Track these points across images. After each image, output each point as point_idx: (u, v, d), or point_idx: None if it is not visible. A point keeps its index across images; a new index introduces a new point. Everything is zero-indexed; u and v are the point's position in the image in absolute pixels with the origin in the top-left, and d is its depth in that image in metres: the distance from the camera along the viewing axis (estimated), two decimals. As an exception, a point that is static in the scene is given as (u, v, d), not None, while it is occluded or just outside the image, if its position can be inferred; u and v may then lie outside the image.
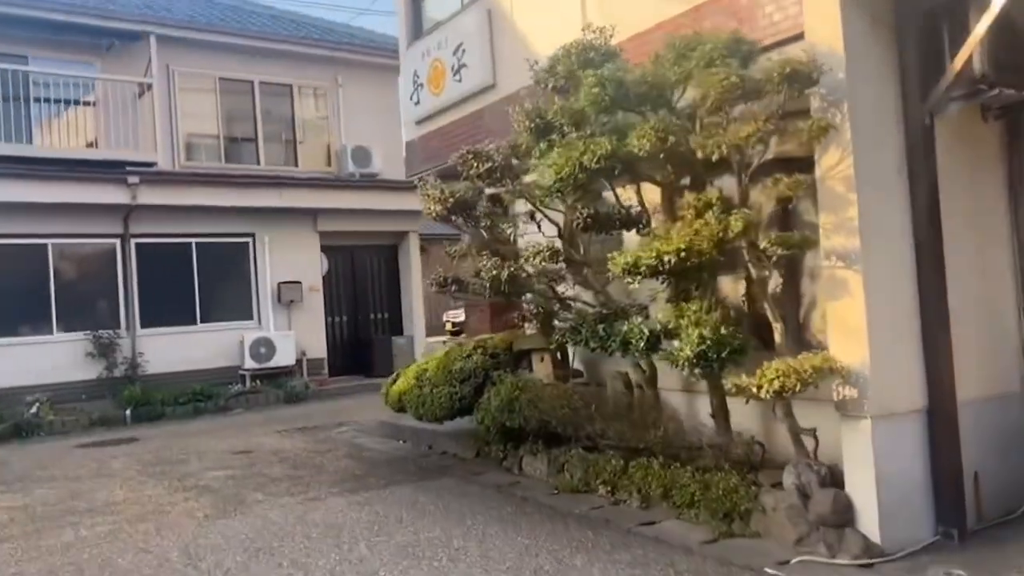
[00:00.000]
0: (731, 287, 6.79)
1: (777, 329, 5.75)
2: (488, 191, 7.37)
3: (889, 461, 5.18)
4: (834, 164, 5.25)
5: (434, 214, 7.07)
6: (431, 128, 10.58)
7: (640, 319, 5.78)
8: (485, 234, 7.20)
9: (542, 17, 8.65)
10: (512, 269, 6.53)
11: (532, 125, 6.26)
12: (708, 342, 5.34)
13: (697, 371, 5.38)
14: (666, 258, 5.22)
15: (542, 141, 6.20)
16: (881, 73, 5.36)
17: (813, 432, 5.52)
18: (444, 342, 20.13)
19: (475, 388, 8.01)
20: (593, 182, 5.73)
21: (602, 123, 5.92)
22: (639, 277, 5.68)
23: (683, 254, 5.18)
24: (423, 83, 10.49)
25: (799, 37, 5.48)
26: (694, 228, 4.96)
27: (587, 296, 7.44)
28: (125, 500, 7.67)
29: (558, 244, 6.56)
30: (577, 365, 8.26)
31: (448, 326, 28.74)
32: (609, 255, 5.93)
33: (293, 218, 15.96)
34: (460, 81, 9.82)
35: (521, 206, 7.76)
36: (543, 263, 6.54)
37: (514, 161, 6.76)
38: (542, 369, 7.97)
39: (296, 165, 16.99)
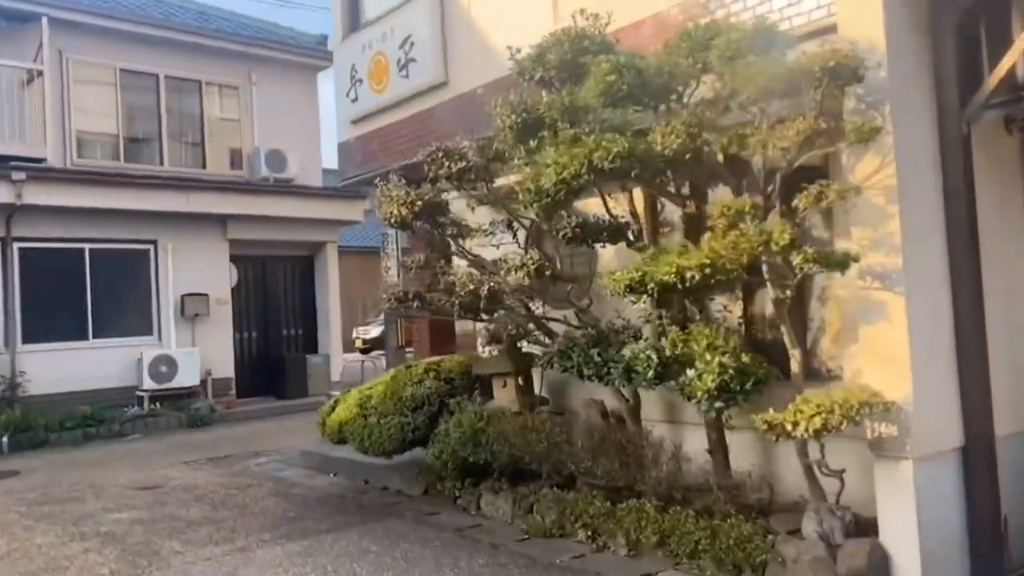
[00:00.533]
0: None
1: (794, 356, 5.13)
2: (451, 196, 6.54)
3: (930, 507, 4.61)
4: (871, 173, 4.67)
5: (394, 219, 6.18)
6: (370, 128, 9.66)
7: (645, 343, 5.04)
8: (452, 244, 6.36)
9: (506, 7, 7.91)
10: (492, 284, 5.72)
11: (518, 120, 5.48)
12: (730, 371, 4.66)
13: (718, 405, 4.68)
14: (688, 274, 4.51)
15: (530, 139, 5.43)
16: (918, 75, 4.84)
17: (840, 474, 4.90)
18: (362, 362, 19.07)
19: (430, 418, 7.12)
20: (599, 185, 4.99)
21: (601, 120, 5.20)
22: (645, 296, 4.96)
23: (708, 270, 4.49)
24: (362, 79, 9.57)
25: (828, 31, 4.91)
26: (730, 240, 4.28)
27: (556, 315, 6.71)
28: (8, 554, 6.40)
29: (536, 256, 5.77)
30: (540, 391, 7.48)
31: (358, 343, 27.51)
32: (609, 271, 5.19)
33: (200, 224, 14.62)
34: (407, 77, 8.96)
35: (481, 215, 6.96)
36: (527, 278, 5.74)
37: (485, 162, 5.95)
38: (505, 396, 7.15)
39: (204, 167, 15.65)
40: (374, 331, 28.38)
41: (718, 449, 5.74)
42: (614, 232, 5.87)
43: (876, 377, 4.68)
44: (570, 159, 4.73)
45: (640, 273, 4.91)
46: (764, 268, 4.96)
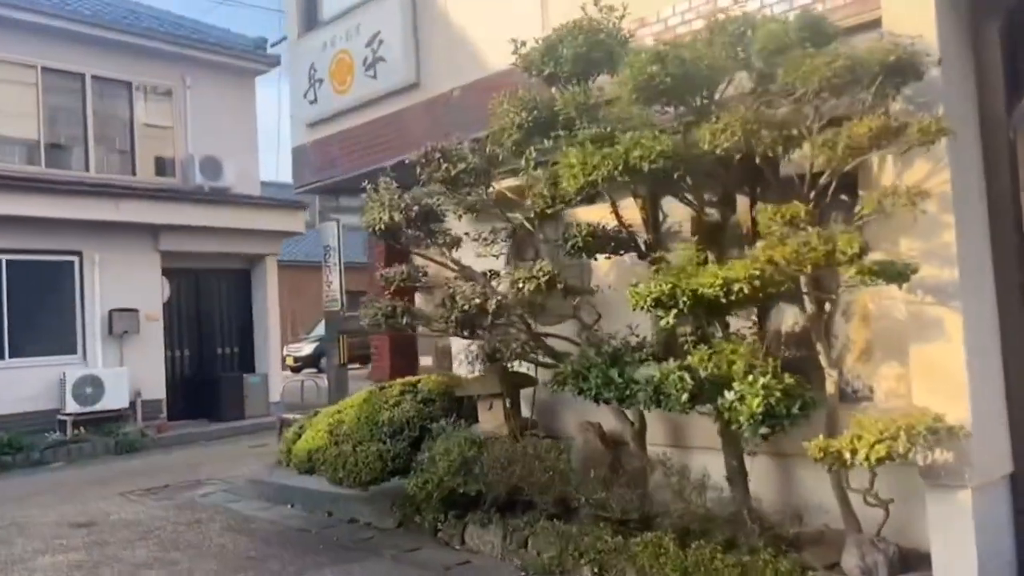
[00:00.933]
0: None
1: (830, 376, 4.76)
2: (438, 202, 5.99)
3: (986, 539, 4.29)
4: (922, 179, 4.35)
5: (381, 226, 5.60)
6: (331, 132, 9.02)
7: (672, 363, 4.59)
8: (445, 253, 5.82)
9: (486, 2, 7.43)
10: (500, 298, 5.19)
11: (528, 118, 4.99)
12: (776, 393, 4.25)
13: (763, 430, 4.25)
14: (735, 287, 4.08)
15: (543, 138, 4.94)
16: (964, 79, 4.56)
17: (886, 504, 4.53)
18: (302, 382, 18.19)
19: (410, 444, 6.52)
20: (634, 188, 4.53)
21: (622, 118, 4.75)
22: (674, 311, 4.51)
23: (757, 282, 4.08)
24: (323, 79, 8.94)
25: (871, 26, 4.58)
26: (793, 248, 3.87)
27: (550, 332, 6.22)
28: (-73, 608, 5.54)
29: (547, 267, 5.25)
30: (526, 413, 6.97)
31: (289, 361, 26.41)
32: (630, 285, 4.73)
33: (130, 235, 13.62)
34: (374, 77, 8.38)
35: (459, 223, 6.44)
36: (537, 291, 5.22)
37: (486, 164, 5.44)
38: (491, 419, 6.62)
39: (134, 174, 14.60)
40: (306, 349, 27.43)
41: (738, 476, 5.32)
42: (622, 243, 5.42)
43: (928, 399, 4.34)
44: (601, 159, 4.26)
45: (670, 286, 4.47)
46: (802, 280, 4.58)
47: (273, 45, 17.62)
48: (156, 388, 13.88)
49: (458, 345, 7.37)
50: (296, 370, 25.45)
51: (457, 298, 5.30)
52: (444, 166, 5.46)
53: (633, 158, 4.19)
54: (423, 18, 8.05)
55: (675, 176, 4.37)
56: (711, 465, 5.61)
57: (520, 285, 5.10)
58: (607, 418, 6.33)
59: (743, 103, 4.57)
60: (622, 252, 5.59)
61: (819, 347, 4.75)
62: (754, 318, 5.60)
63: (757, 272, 4.08)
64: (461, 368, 6.88)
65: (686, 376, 4.46)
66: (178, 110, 15.29)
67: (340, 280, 16.87)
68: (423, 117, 7.95)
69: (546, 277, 5.09)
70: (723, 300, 4.17)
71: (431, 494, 6.21)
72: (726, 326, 4.92)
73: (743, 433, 4.34)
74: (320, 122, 9.14)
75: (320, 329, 29.39)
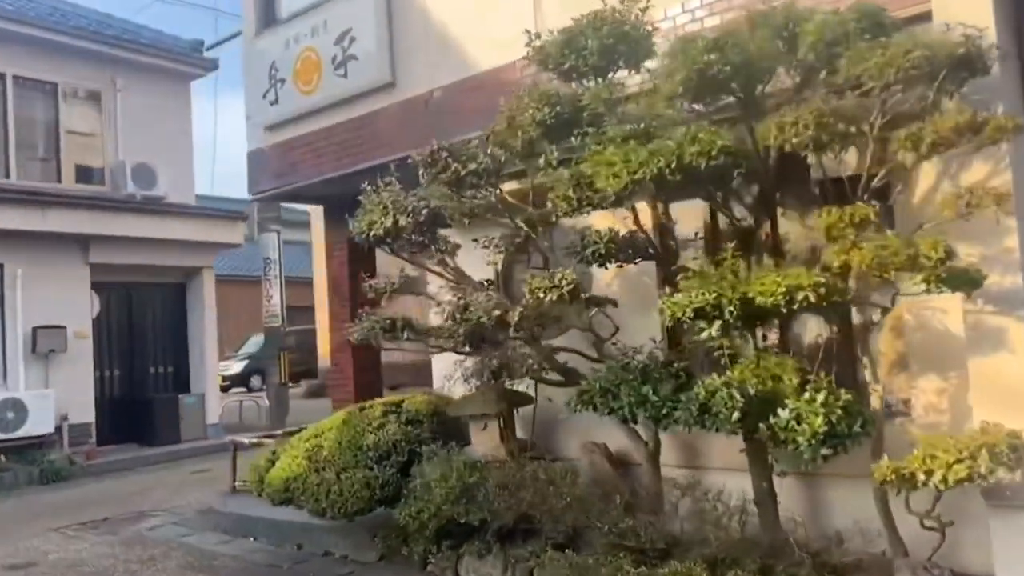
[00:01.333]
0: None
1: (876, 392, 4.48)
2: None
3: (1052, 563, 4.05)
4: (982, 180, 4.12)
5: (380, 231, 5.08)
6: (294, 135, 8.42)
7: (717, 379, 4.22)
8: (446, 261, 5.34)
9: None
10: (521, 309, 4.74)
11: (550, 115, 4.58)
12: (837, 411, 3.93)
13: (824, 451, 3.92)
14: (799, 296, 3.75)
15: (568, 136, 4.54)
16: (1016, 77, 4.36)
17: (943, 527, 4.25)
18: (241, 402, 17.28)
19: (400, 469, 6.00)
20: (686, 187, 4.14)
21: (655, 115, 4.40)
22: (718, 323, 4.16)
23: (823, 290, 3.75)
24: (286, 78, 8.35)
25: (922, 18, 4.34)
26: (871, 253, 3.55)
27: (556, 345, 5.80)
28: None
29: (570, 276, 4.83)
30: (521, 433, 6.52)
31: (217, 380, 25.17)
32: (664, 295, 4.37)
33: (57, 246, 12.63)
34: (345, 77, 7.85)
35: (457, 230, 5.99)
36: (562, 302, 4.77)
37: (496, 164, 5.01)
38: (485, 440, 6.16)
39: (60, 181, 13.59)
40: (235, 367, 26.35)
41: (767, 499, 4.98)
42: (640, 250, 5.05)
43: (990, 413, 4.08)
44: (650, 156, 3.88)
45: (714, 295, 4.11)
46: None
47: (209, 48, 16.85)
48: (85, 411, 12.85)
49: (442, 363, 6.88)
50: (225, 389, 24.23)
51: (471, 309, 4.84)
52: (453, 166, 5.00)
53: (689, 154, 3.82)
54: (399, 13, 7.58)
55: (735, 175, 4.03)
56: (731, 487, 5.28)
57: (541, 295, 4.66)
58: (612, 437, 5.96)
59: (782, 98, 4.28)
60: (638, 260, 5.22)
61: (864, 360, 4.47)
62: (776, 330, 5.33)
63: (823, 280, 3.75)
64: (458, 387, 6.38)
65: (735, 393, 4.10)
66: (108, 114, 14.34)
67: (281, 294, 16.14)
68: (400, 119, 7.47)
69: (570, 287, 4.67)
70: (783, 310, 3.82)
71: (425, 524, 5.69)
72: (764, 338, 4.60)
73: (802, 455, 3.99)
74: (281, 124, 8.54)
75: (249, 346, 28.35)
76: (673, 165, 3.85)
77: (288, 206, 16.01)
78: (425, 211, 5.05)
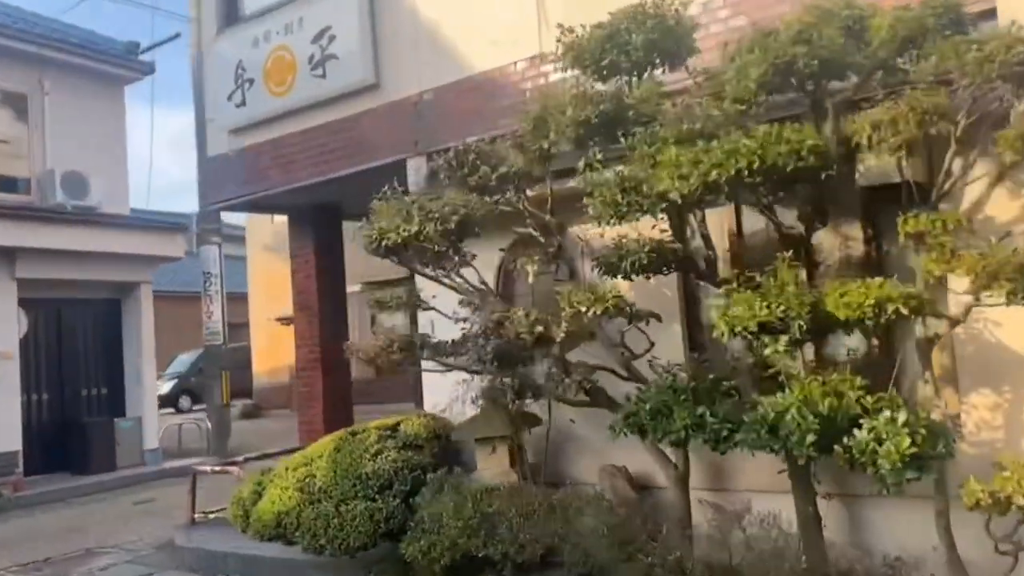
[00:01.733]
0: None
1: (937, 407, 4.26)
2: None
3: None
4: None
5: (398, 238, 4.62)
6: (263, 139, 7.88)
7: (785, 397, 3.91)
8: (470, 275, 4.91)
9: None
10: (567, 324, 4.35)
11: (595, 113, 4.23)
12: (922, 431, 3.67)
13: (910, 475, 3.65)
14: (889, 308, 3.48)
15: (615, 137, 4.19)
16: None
17: (1016, 550, 4.03)
18: (180, 425, 16.31)
19: (404, 499, 5.52)
20: (766, 191, 3.83)
21: (707, 115, 4.10)
22: (785, 338, 3.88)
23: (914, 302, 3.49)
24: (254, 79, 7.80)
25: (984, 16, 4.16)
26: (982, 262, 3.31)
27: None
28: None
29: (613, 289, 4.47)
30: (531, 457, 6.11)
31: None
32: (719, 308, 4.05)
33: (-22, 261, 11.67)
34: (323, 77, 7.36)
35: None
36: (606, 316, 4.40)
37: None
38: (494, 465, 5.72)
39: (-18, 189, 12.60)
40: (163, 387, 25.05)
41: (812, 523, 4.71)
42: (683, 261, 4.72)
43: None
44: (726, 156, 3.57)
45: (782, 308, 3.82)
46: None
47: (144, 51, 15.92)
48: (11, 438, 11.83)
49: (437, 383, 6.41)
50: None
51: (508, 324, 4.42)
52: (482, 169, 4.60)
53: (775, 154, 3.53)
54: (384, 10, 7.14)
55: (823, 177, 3.75)
56: (764, 510, 5.00)
57: (584, 309, 4.29)
58: (631, 459, 5.62)
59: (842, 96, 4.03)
60: (676, 271, 4.90)
61: (926, 375, 4.24)
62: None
63: (913, 291, 3.50)
64: (456, 408, 5.93)
65: (807, 413, 3.80)
66: (35, 118, 13.36)
67: (223, 310, 15.31)
68: (385, 122, 7.02)
69: (613, 301, 4.31)
70: (868, 323, 3.55)
71: (436, 560, 5.22)
72: (822, 355, 4.33)
73: (885, 478, 3.71)
74: (249, 127, 7.97)
75: (176, 365, 27.10)
76: (755, 166, 3.55)
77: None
78: (455, 218, 4.63)
